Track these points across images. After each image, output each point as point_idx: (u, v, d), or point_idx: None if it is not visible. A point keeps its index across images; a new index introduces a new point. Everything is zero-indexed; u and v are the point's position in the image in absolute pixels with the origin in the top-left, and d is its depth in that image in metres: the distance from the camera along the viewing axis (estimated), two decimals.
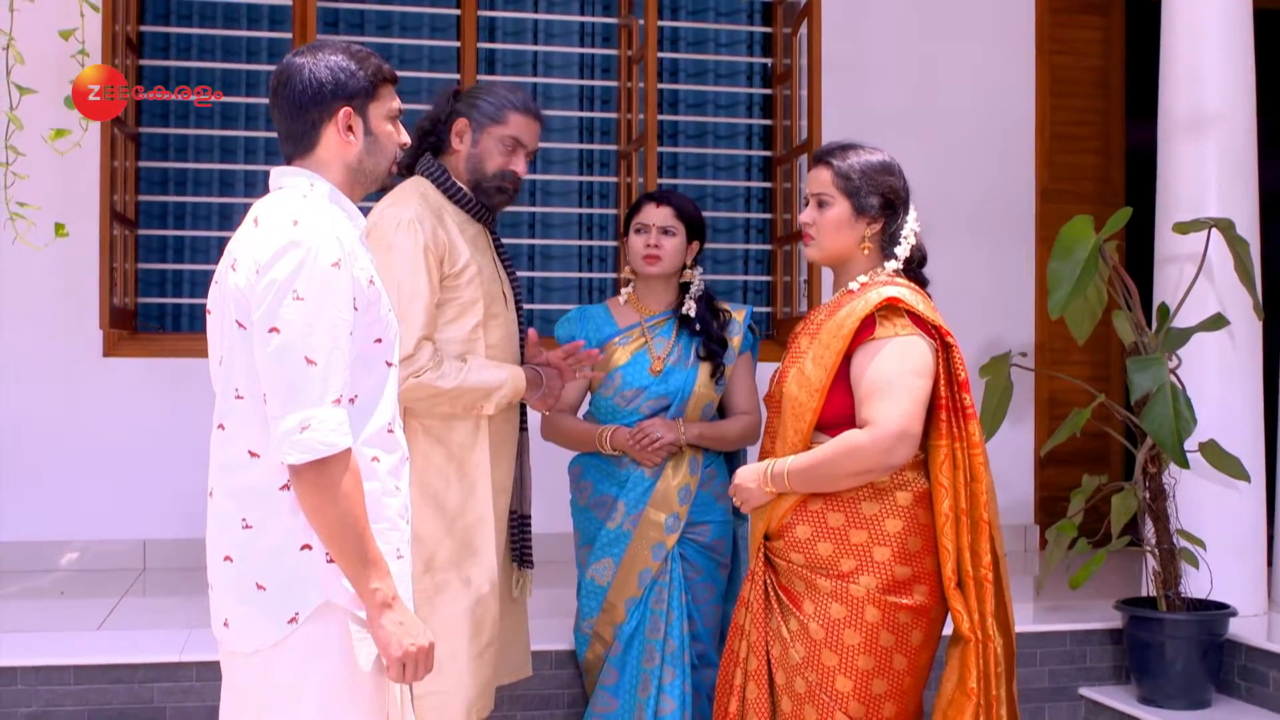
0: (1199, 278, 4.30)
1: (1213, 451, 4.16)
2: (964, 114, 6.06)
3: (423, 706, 3.05)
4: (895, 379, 2.80)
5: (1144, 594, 4.43)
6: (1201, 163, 4.46)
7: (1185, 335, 4.19)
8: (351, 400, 2.31)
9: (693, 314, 3.68)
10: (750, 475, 2.96)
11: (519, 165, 3.31)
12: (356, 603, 2.29)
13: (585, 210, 6.06)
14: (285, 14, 5.68)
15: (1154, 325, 4.36)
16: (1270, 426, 4.65)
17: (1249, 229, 4.41)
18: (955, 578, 2.85)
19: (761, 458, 3.06)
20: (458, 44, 5.84)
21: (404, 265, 3.12)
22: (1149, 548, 4.27)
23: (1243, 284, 4.26)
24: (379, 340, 2.38)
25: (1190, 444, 4.12)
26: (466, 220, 3.33)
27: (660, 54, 5.96)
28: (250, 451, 2.29)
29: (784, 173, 5.92)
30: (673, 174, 6.09)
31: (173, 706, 3.83)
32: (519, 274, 5.77)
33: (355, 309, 2.29)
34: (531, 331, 3.38)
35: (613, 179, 5.99)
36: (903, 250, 2.97)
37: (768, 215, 6.11)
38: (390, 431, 2.40)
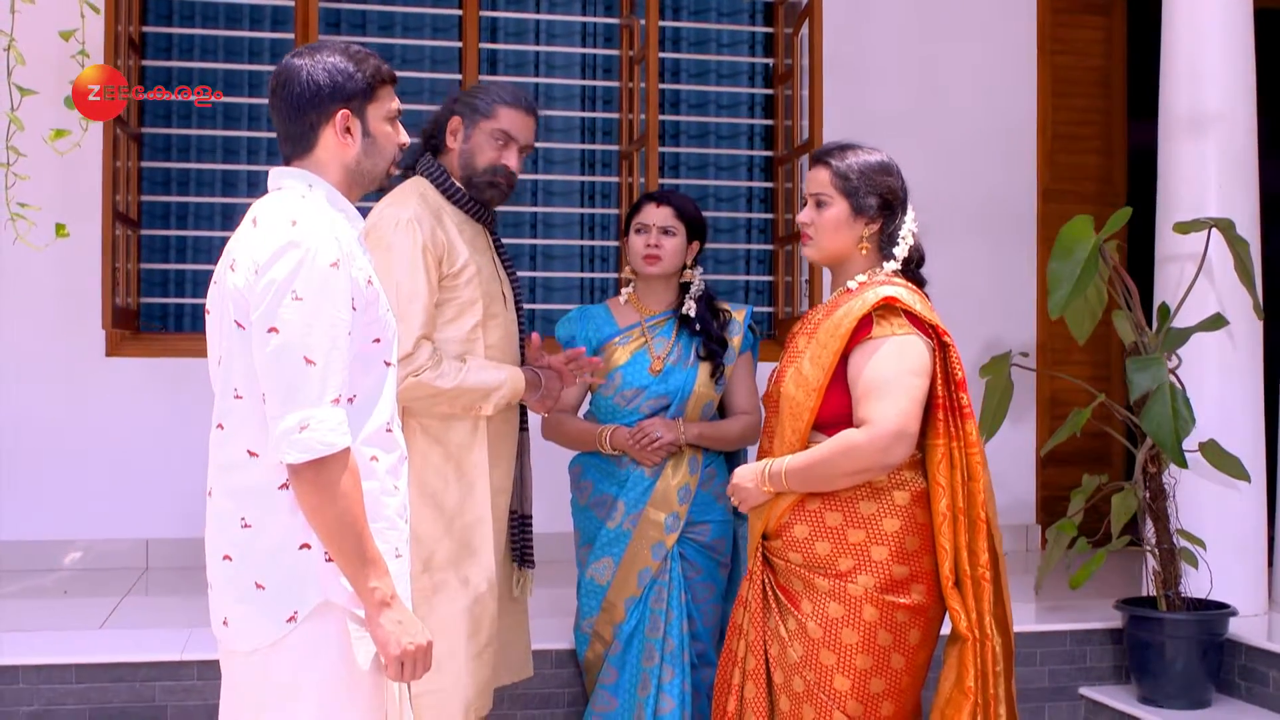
0: (1199, 278, 4.30)
1: (1213, 451, 4.16)
2: (965, 114, 6.07)
3: (421, 705, 3.06)
4: (892, 378, 2.81)
5: (1144, 594, 4.43)
6: (1202, 162, 4.46)
7: (1185, 335, 4.19)
8: (350, 400, 2.32)
9: (693, 314, 3.69)
10: (748, 475, 2.97)
11: (510, 159, 3.31)
12: (355, 601, 2.30)
13: (587, 210, 6.07)
14: (287, 14, 5.69)
15: (1155, 325, 4.36)
16: (1271, 426, 4.65)
17: (1249, 229, 4.42)
18: (953, 577, 2.86)
19: (759, 457, 3.06)
20: (459, 44, 5.85)
21: (403, 265, 3.13)
22: (1149, 547, 4.27)
23: (1243, 284, 4.26)
24: (377, 340, 2.39)
25: (1190, 444, 4.13)
26: (466, 220, 3.34)
27: (662, 54, 5.97)
28: (249, 451, 2.30)
29: (785, 173, 5.93)
30: (674, 174, 6.10)
31: (174, 705, 3.84)
32: (521, 274, 5.79)
33: (353, 309, 2.30)
34: (534, 336, 3.38)
35: (614, 179, 5.99)
36: (901, 250, 2.97)
37: (769, 215, 6.11)
38: (389, 431, 2.41)
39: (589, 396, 3.78)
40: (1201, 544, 4.17)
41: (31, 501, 5.31)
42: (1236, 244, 4.19)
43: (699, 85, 6.13)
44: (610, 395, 3.66)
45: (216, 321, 2.38)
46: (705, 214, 3.82)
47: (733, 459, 3.75)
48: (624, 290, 3.81)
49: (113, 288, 5.10)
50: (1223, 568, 4.27)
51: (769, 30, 6.11)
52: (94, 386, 5.38)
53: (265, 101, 5.21)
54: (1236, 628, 4.20)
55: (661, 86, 5.97)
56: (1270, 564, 4.58)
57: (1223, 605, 4.20)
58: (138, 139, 5.49)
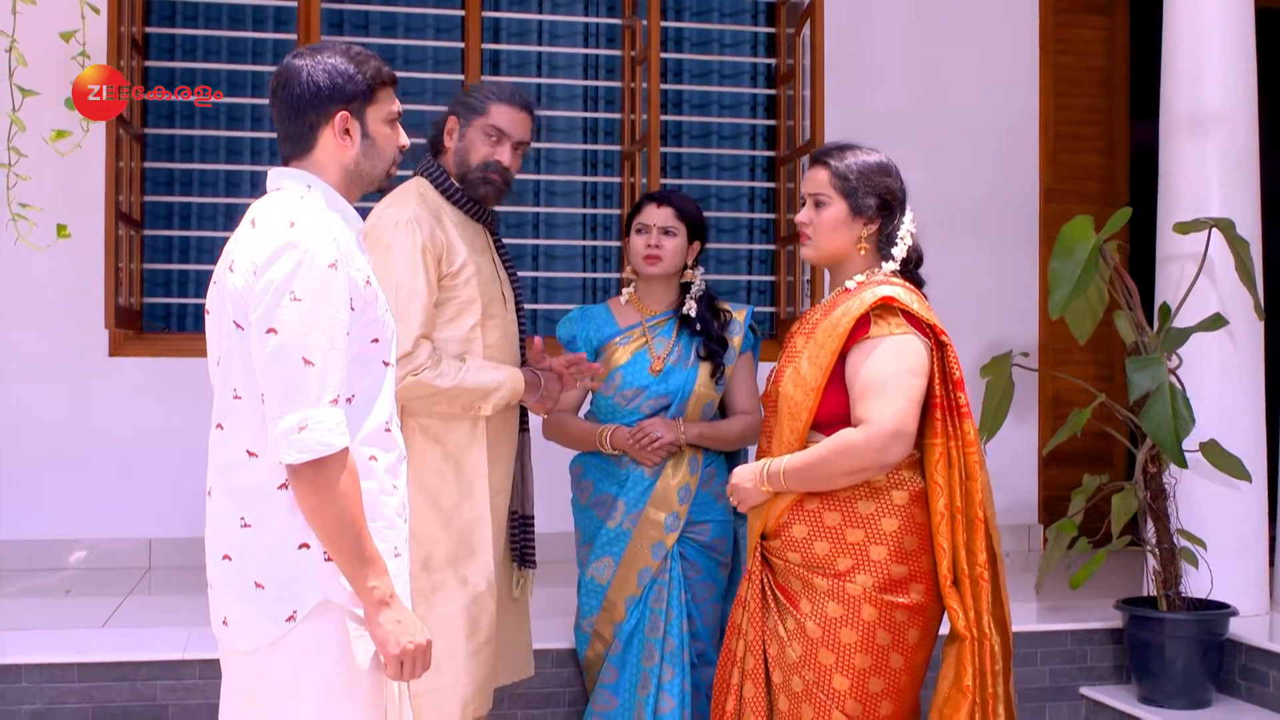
0: (1200, 278, 4.30)
1: (1214, 451, 4.16)
2: (967, 114, 6.07)
3: (420, 705, 3.06)
4: (890, 378, 2.81)
5: (1145, 594, 4.43)
6: (1203, 162, 4.46)
7: (1184, 335, 4.20)
8: (349, 400, 2.33)
9: (693, 314, 3.69)
10: (747, 475, 2.98)
11: (504, 155, 3.32)
12: (354, 601, 2.31)
13: (589, 210, 6.08)
14: (290, 15, 5.71)
15: (1156, 325, 4.36)
16: (1271, 426, 4.65)
17: (1250, 229, 4.42)
18: (951, 576, 2.86)
19: (758, 457, 3.07)
20: (462, 45, 5.86)
21: (402, 265, 3.14)
22: (1150, 547, 4.28)
23: (1243, 284, 4.26)
24: (376, 340, 2.40)
25: (1191, 444, 4.13)
26: (465, 220, 3.35)
27: (664, 55, 5.97)
28: (248, 451, 2.31)
29: (787, 173, 5.93)
30: (676, 174, 6.10)
31: (175, 704, 3.85)
32: (523, 274, 5.81)
33: (352, 309, 2.31)
34: (536, 340, 3.39)
35: (616, 179, 6.00)
36: (899, 251, 2.98)
37: (771, 215, 6.12)
38: (387, 430, 2.42)
39: (589, 396, 3.79)
40: (1202, 544, 4.17)
41: (35, 501, 5.32)
42: (1237, 244, 4.19)
43: (701, 86, 6.14)
44: (611, 395, 3.66)
45: (216, 322, 2.39)
46: (707, 214, 3.83)
47: (733, 459, 3.75)
48: (625, 290, 3.81)
49: (115, 288, 5.12)
50: (1223, 568, 4.27)
51: (771, 30, 6.12)
52: (97, 386, 5.39)
53: (268, 102, 5.23)
54: (1237, 628, 4.21)
55: (663, 87, 5.98)
56: (1271, 564, 4.58)
57: (1223, 605, 4.20)
58: (141, 139, 5.50)
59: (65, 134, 3.86)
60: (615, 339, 3.71)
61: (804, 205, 3.03)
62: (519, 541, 3.44)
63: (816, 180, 2.99)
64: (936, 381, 2.88)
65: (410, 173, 3.42)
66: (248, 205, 2.46)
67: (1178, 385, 4.11)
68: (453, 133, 3.35)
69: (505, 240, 5.62)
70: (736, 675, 2.99)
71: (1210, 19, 4.47)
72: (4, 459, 5.32)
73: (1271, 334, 4.73)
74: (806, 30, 5.60)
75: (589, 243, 6.05)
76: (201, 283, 5.58)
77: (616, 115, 5.99)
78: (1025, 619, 4.41)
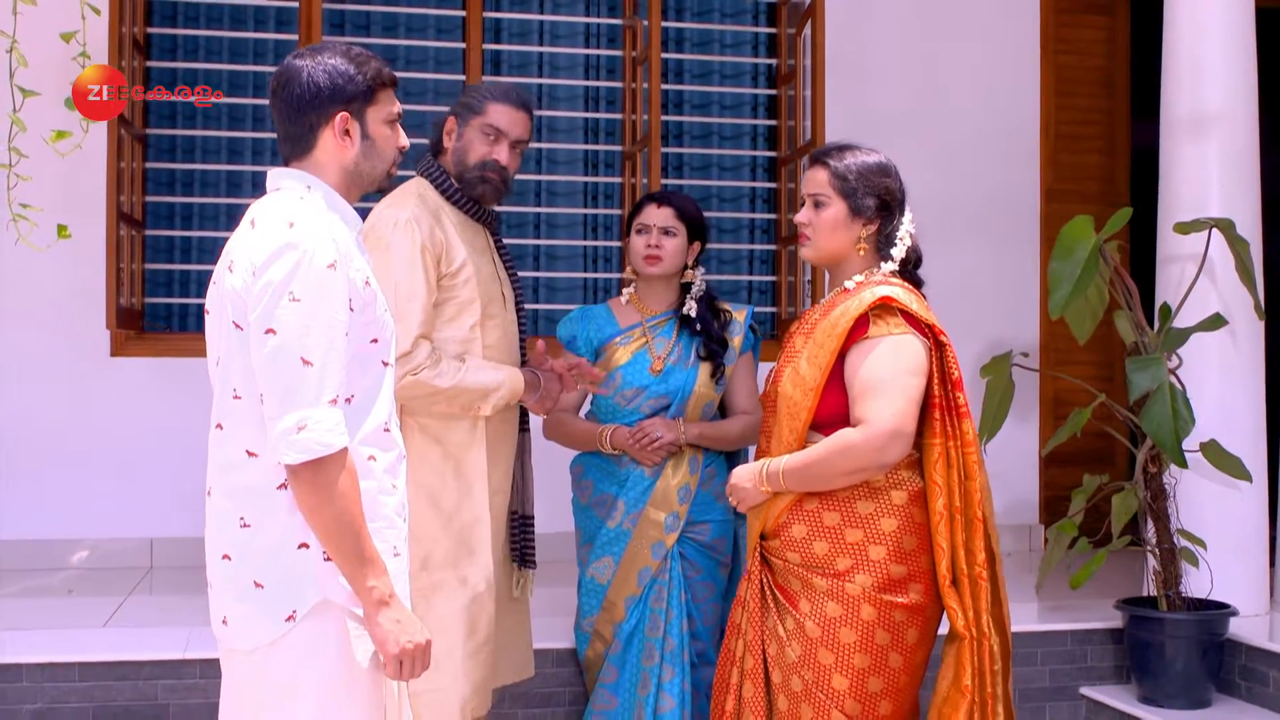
0: (1201, 278, 4.30)
1: (1214, 451, 4.16)
2: (968, 114, 6.07)
3: (418, 704, 3.07)
4: (889, 378, 2.82)
5: (1145, 594, 4.44)
6: (1203, 162, 4.46)
7: (1184, 335, 4.20)
8: (348, 400, 2.34)
9: (693, 314, 3.70)
10: (746, 475, 2.98)
11: (500, 154, 3.33)
12: (354, 600, 2.32)
13: (590, 211, 6.09)
14: (291, 15, 5.71)
15: (1156, 325, 4.37)
16: (1272, 426, 4.65)
17: (1250, 229, 4.42)
18: (950, 575, 2.87)
19: (757, 457, 3.08)
20: (463, 45, 5.86)
21: (401, 264, 3.15)
22: (1150, 547, 4.28)
23: (1244, 284, 4.27)
24: (375, 340, 2.40)
25: (1192, 444, 4.13)
26: (465, 220, 3.36)
27: (665, 55, 5.98)
28: (248, 451, 2.32)
29: (788, 173, 5.94)
30: (678, 174, 6.11)
31: (176, 703, 3.86)
32: (524, 274, 5.82)
33: (351, 310, 2.31)
34: (540, 342, 3.40)
35: (617, 180, 6.01)
36: (898, 251, 2.98)
37: (772, 216, 6.12)
38: (387, 430, 2.42)
39: (590, 396, 3.79)
40: (1202, 544, 4.17)
41: (37, 501, 5.33)
42: (1237, 244, 4.19)
43: (702, 86, 6.14)
44: (611, 395, 3.67)
45: (216, 322, 2.39)
46: (708, 214, 3.83)
47: (733, 459, 3.75)
48: (625, 290, 3.82)
49: (117, 288, 5.12)
50: (1223, 568, 4.27)
51: (772, 31, 6.12)
52: (99, 386, 5.40)
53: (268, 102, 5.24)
54: (1237, 628, 4.21)
55: (664, 87, 5.98)
56: (1271, 564, 4.58)
57: (1223, 605, 4.21)
58: (142, 140, 5.51)
59: (66, 134, 3.87)
60: (615, 339, 3.71)
61: (803, 205, 3.04)
62: (519, 541, 3.45)
63: (816, 180, 3.00)
64: (935, 381, 2.89)
65: (411, 173, 3.42)
66: (249, 205, 2.46)
67: (1178, 385, 4.11)
68: (452, 133, 3.37)
69: (507, 240, 5.65)
70: (736, 675, 2.99)
71: (1211, 19, 4.47)
72: (6, 459, 5.33)
73: (1272, 334, 4.73)
74: (807, 30, 5.60)
75: (590, 243, 6.06)
76: (203, 283, 5.58)
77: (618, 116, 6.00)
78: (1025, 619, 4.41)
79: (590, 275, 6.06)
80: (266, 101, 5.55)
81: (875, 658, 2.85)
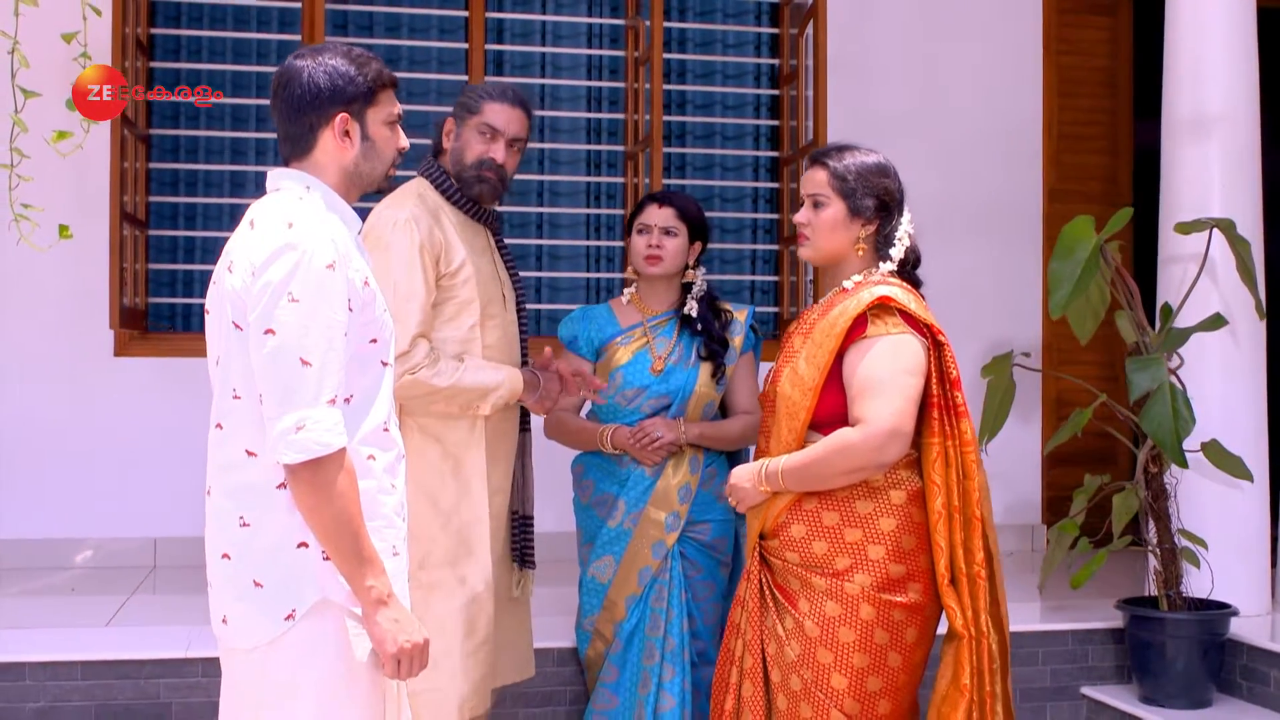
0: (1202, 278, 4.30)
1: (1215, 451, 4.16)
2: (970, 114, 6.07)
3: (417, 703, 3.07)
4: (887, 377, 2.82)
5: (1146, 594, 4.44)
6: (1204, 162, 4.47)
7: (1185, 335, 4.20)
8: (347, 400, 2.35)
9: (694, 314, 3.70)
10: (745, 475, 2.99)
11: (498, 152, 3.33)
12: (353, 599, 2.32)
13: (592, 211, 6.09)
14: (295, 16, 5.72)
15: (1158, 325, 4.37)
16: (1273, 426, 4.65)
17: (1252, 229, 4.42)
18: (949, 575, 2.87)
19: (756, 457, 3.08)
20: (466, 46, 5.87)
21: (400, 264, 3.16)
22: (1151, 547, 4.28)
23: (1244, 284, 4.27)
24: (374, 340, 2.41)
25: (1193, 444, 4.13)
26: (465, 220, 3.36)
27: (667, 55, 5.99)
28: (247, 451, 2.32)
29: (791, 173, 5.94)
30: (680, 174, 6.11)
31: (178, 702, 3.87)
32: (527, 274, 5.83)
33: (350, 310, 2.32)
34: (547, 350, 3.41)
35: (620, 180, 6.02)
36: (897, 252, 2.99)
37: (775, 216, 6.13)
38: (386, 430, 2.43)
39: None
40: (1203, 544, 4.17)
41: (40, 500, 5.35)
42: (1238, 244, 4.20)
43: (704, 86, 6.15)
44: (612, 395, 3.67)
45: (215, 322, 2.40)
46: (711, 214, 3.84)
47: (734, 459, 3.76)
48: (626, 290, 3.82)
49: (120, 288, 5.14)
50: (1225, 568, 4.27)
51: (774, 31, 6.13)
52: (102, 386, 5.41)
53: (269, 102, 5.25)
54: (1238, 628, 4.21)
55: (667, 87, 5.99)
56: (1273, 564, 4.58)
57: (1224, 605, 4.21)
58: (146, 140, 5.52)
59: (67, 135, 3.87)
60: (616, 339, 3.72)
61: (802, 206, 3.04)
62: (519, 541, 3.45)
63: (815, 181, 3.00)
64: (934, 381, 2.89)
65: (410, 173, 3.43)
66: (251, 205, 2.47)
67: (1178, 385, 4.11)
68: (451, 133, 3.38)
69: (509, 240, 5.69)
70: (735, 674, 3.00)
71: (1212, 19, 4.47)
72: (10, 458, 5.34)
73: (1273, 334, 4.74)
74: (809, 30, 5.61)
75: (593, 243, 6.07)
76: (207, 283, 5.56)
77: (620, 116, 6.01)
78: (1026, 619, 4.41)
79: (593, 275, 6.07)
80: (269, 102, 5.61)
81: (874, 657, 2.85)
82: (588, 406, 3.83)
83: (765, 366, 3.82)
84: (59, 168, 4.55)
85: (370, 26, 5.93)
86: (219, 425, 2.37)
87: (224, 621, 2.37)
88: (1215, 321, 4.20)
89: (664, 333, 3.71)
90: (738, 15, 6.16)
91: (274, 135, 5.35)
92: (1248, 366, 4.44)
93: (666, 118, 5.96)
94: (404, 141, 2.54)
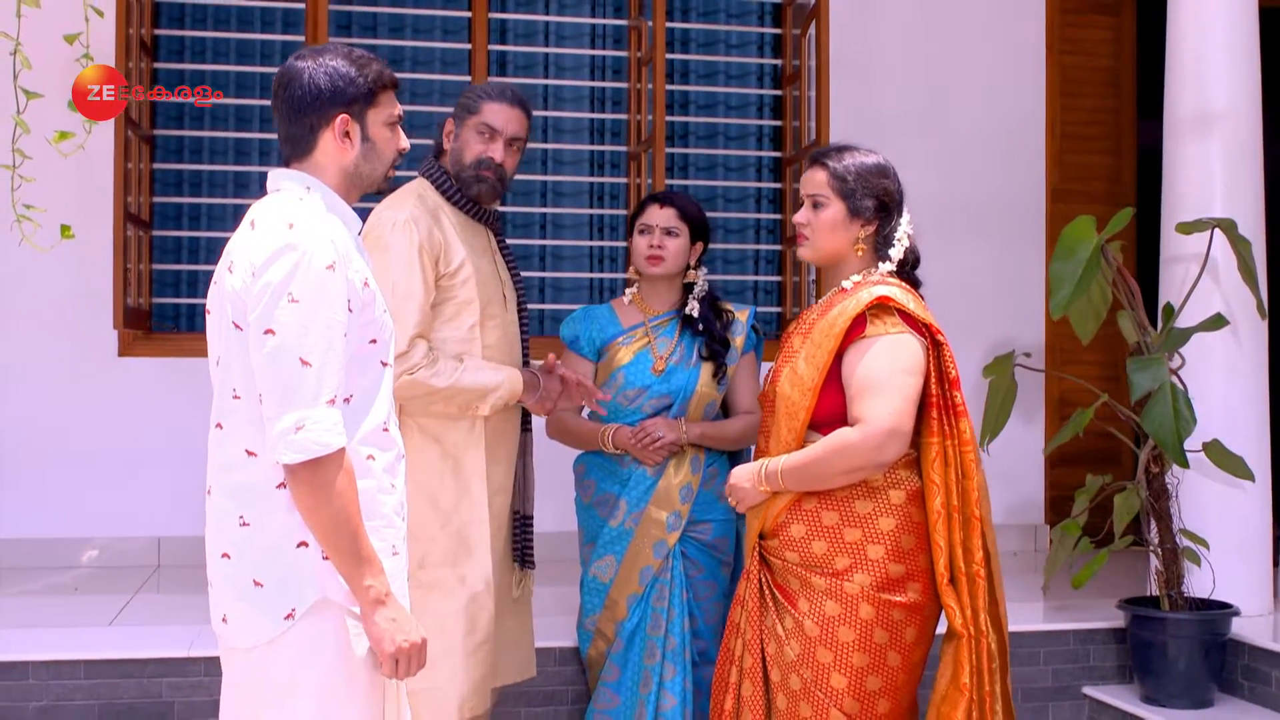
0: (1204, 278, 4.30)
1: (1217, 451, 4.16)
2: (973, 114, 6.07)
3: (416, 702, 3.08)
4: (886, 377, 2.83)
5: (1147, 593, 4.44)
6: (1207, 162, 4.47)
7: (1186, 335, 4.20)
8: (347, 400, 2.35)
9: (696, 314, 3.71)
10: (745, 475, 2.99)
11: (496, 152, 3.34)
12: (352, 599, 2.33)
13: (595, 211, 6.10)
14: (298, 17, 5.73)
15: (1159, 325, 4.37)
16: (1275, 426, 4.65)
17: (1253, 228, 4.42)
18: (948, 574, 2.88)
19: (756, 457, 3.09)
20: (469, 46, 5.88)
21: (399, 264, 3.17)
22: (1152, 547, 4.28)
23: (1246, 284, 4.27)
24: (374, 341, 2.42)
25: (1194, 443, 4.13)
26: (466, 221, 3.37)
27: (670, 55, 6.00)
28: (247, 450, 2.33)
29: (794, 173, 5.94)
30: (684, 175, 6.12)
31: (181, 701, 3.88)
32: (530, 274, 5.84)
33: (350, 310, 2.33)
34: (550, 357, 3.42)
35: (623, 180, 6.02)
36: (896, 252, 2.99)
37: (778, 216, 6.13)
38: (385, 430, 2.44)
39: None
40: (1205, 544, 4.17)
41: (44, 500, 5.36)
42: (1239, 244, 4.20)
43: (707, 86, 6.15)
44: (613, 395, 3.68)
45: (216, 322, 2.41)
46: (714, 215, 3.84)
47: (735, 458, 3.76)
48: (628, 290, 3.83)
49: (124, 288, 5.15)
50: (1226, 568, 4.27)
51: (777, 31, 6.13)
52: (106, 386, 5.43)
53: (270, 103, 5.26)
54: (1239, 628, 4.21)
55: (670, 88, 6.00)
56: (1275, 564, 4.58)
57: (1225, 605, 4.21)
58: (150, 141, 5.54)
59: (69, 135, 3.89)
60: (618, 339, 3.72)
61: (802, 206, 3.05)
62: (519, 541, 3.46)
63: (815, 181, 3.01)
64: (933, 380, 2.90)
65: (411, 174, 3.44)
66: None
67: (1179, 385, 4.11)
68: (451, 134, 3.39)
69: (512, 240, 5.70)
70: (735, 674, 3.00)
71: (1214, 19, 4.47)
72: (14, 458, 5.36)
73: (1275, 333, 4.73)
74: (812, 31, 5.61)
75: (596, 243, 6.07)
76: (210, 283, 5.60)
77: (623, 116, 6.02)
78: (1028, 618, 4.42)
79: (596, 275, 6.07)
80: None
81: (873, 656, 2.86)
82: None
83: (767, 366, 3.83)
84: (63, 169, 4.57)
85: (374, 27, 5.94)
86: (219, 425, 2.38)
87: (224, 621, 2.38)
88: (1216, 321, 4.20)
89: (665, 333, 3.71)
90: (740, 15, 6.17)
91: (277, 136, 5.35)
92: (1249, 366, 4.44)
93: (669, 118, 5.96)
94: (404, 142, 2.54)
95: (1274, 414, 4.61)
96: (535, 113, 5.72)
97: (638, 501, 3.61)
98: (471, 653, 3.25)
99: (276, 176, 2.47)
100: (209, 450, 2.40)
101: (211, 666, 3.83)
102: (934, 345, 2.91)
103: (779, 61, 6.12)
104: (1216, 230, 4.24)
